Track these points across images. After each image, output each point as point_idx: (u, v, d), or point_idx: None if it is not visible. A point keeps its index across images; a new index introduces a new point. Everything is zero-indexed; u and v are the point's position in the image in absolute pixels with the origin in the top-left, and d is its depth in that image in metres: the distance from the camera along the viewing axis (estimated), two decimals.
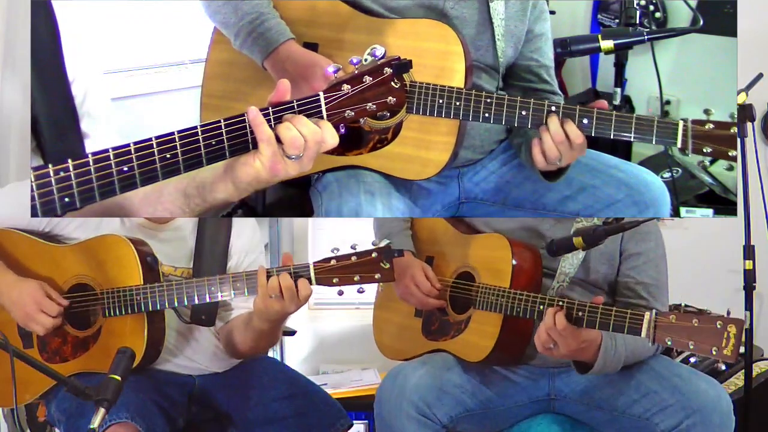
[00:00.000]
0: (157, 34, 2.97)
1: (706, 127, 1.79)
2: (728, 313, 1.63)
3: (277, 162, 1.47)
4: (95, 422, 1.48)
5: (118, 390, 1.52)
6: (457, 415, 1.98)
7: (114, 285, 1.95)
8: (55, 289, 1.98)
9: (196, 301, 1.95)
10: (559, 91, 2.23)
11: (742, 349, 2.03)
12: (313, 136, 1.47)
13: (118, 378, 1.53)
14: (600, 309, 1.80)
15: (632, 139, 1.85)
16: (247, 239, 2.20)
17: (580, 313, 1.82)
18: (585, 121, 1.86)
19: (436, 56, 1.97)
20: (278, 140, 1.47)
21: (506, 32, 2.11)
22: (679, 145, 1.82)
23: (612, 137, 1.86)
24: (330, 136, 1.49)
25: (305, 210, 2.29)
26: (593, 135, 1.86)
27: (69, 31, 1.76)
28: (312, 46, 2.07)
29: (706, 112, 1.84)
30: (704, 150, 1.79)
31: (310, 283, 1.86)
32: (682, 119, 1.82)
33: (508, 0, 2.12)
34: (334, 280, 1.85)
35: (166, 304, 1.93)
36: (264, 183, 1.50)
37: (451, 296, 2.17)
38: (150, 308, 1.93)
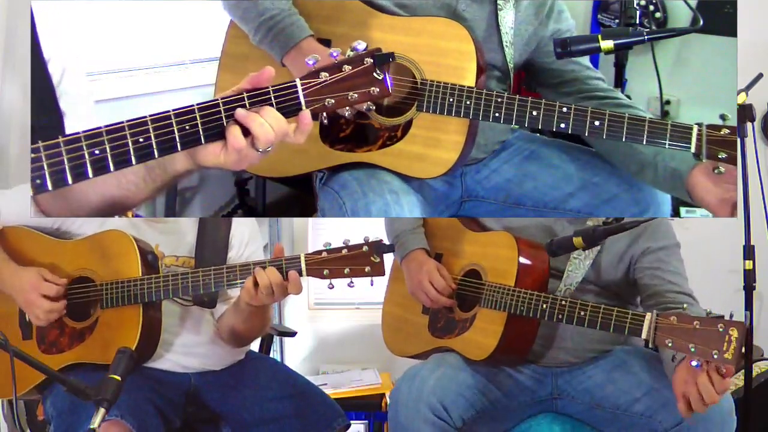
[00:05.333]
0: (157, 35, 2.97)
1: (722, 132, 1.73)
2: (731, 315, 1.61)
3: (242, 161, 1.47)
4: (95, 422, 1.48)
5: (118, 390, 1.52)
6: (470, 417, 1.98)
7: (114, 278, 1.97)
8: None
9: (190, 294, 1.98)
10: (621, 95, 2.18)
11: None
12: (279, 128, 1.45)
13: (118, 378, 1.53)
14: (602, 309, 1.79)
15: (645, 143, 1.81)
16: (247, 230, 2.22)
17: (582, 313, 1.82)
18: (596, 123, 1.84)
19: (449, 55, 1.98)
20: (247, 132, 1.45)
21: (516, 38, 2.12)
22: (693, 150, 1.76)
23: (624, 140, 1.82)
24: (299, 133, 1.46)
25: (305, 210, 2.30)
26: (605, 138, 1.84)
27: (43, 16, 1.77)
28: (325, 43, 2.08)
29: (723, 117, 1.77)
30: (719, 156, 1.73)
31: (300, 274, 1.88)
32: (696, 124, 1.77)
33: (519, 4, 2.12)
34: (325, 272, 1.88)
35: (162, 295, 1.96)
36: (227, 170, 1.51)
37: (458, 294, 2.17)
38: (145, 299, 1.95)
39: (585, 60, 2.19)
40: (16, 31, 2.76)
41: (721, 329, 1.58)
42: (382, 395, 2.92)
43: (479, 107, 1.93)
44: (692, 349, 1.61)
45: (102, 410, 1.49)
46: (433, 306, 2.19)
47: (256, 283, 1.89)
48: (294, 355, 3.28)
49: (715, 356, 1.58)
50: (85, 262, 2.01)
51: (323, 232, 3.30)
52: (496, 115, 1.92)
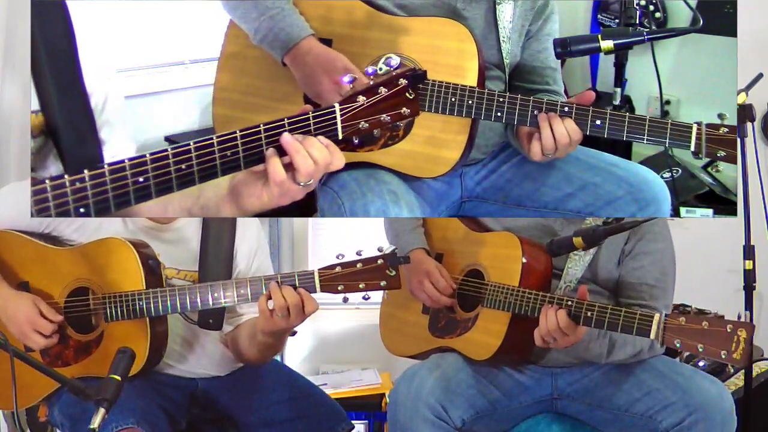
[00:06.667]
0: (157, 35, 2.97)
1: (721, 131, 1.78)
2: (739, 317, 1.63)
3: (284, 195, 1.47)
4: (95, 422, 1.47)
5: (118, 390, 1.51)
6: (470, 417, 1.98)
7: (115, 289, 1.92)
8: (55, 294, 1.96)
9: (199, 307, 1.93)
10: (564, 94, 2.22)
11: None
12: (323, 160, 1.46)
13: (118, 378, 1.52)
14: (609, 309, 1.79)
15: (645, 142, 1.84)
16: (254, 239, 2.17)
17: (589, 313, 1.81)
18: (598, 122, 1.86)
19: (450, 54, 1.97)
20: (289, 166, 1.45)
21: (513, 33, 2.12)
22: (692, 148, 1.81)
23: (625, 139, 1.85)
24: (338, 160, 1.48)
25: (305, 210, 2.29)
26: (606, 137, 1.86)
27: (82, 36, 1.76)
28: (326, 42, 2.07)
29: (721, 116, 1.82)
30: (718, 154, 1.78)
31: (314, 291, 1.84)
32: (695, 123, 1.81)
33: (518, 0, 2.12)
34: (339, 288, 1.84)
35: (169, 309, 1.91)
36: (270, 208, 1.50)
37: (459, 294, 2.17)
38: (152, 313, 1.90)
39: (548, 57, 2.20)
40: (16, 31, 2.76)
41: (729, 330, 1.60)
42: (382, 395, 2.92)
43: (481, 106, 1.93)
44: (700, 349, 1.62)
45: (102, 410, 1.48)
46: (434, 305, 2.19)
47: (269, 297, 1.84)
48: (294, 355, 3.28)
49: (724, 356, 1.60)
50: (84, 273, 1.96)
51: (323, 232, 3.30)
52: (498, 114, 1.92)
